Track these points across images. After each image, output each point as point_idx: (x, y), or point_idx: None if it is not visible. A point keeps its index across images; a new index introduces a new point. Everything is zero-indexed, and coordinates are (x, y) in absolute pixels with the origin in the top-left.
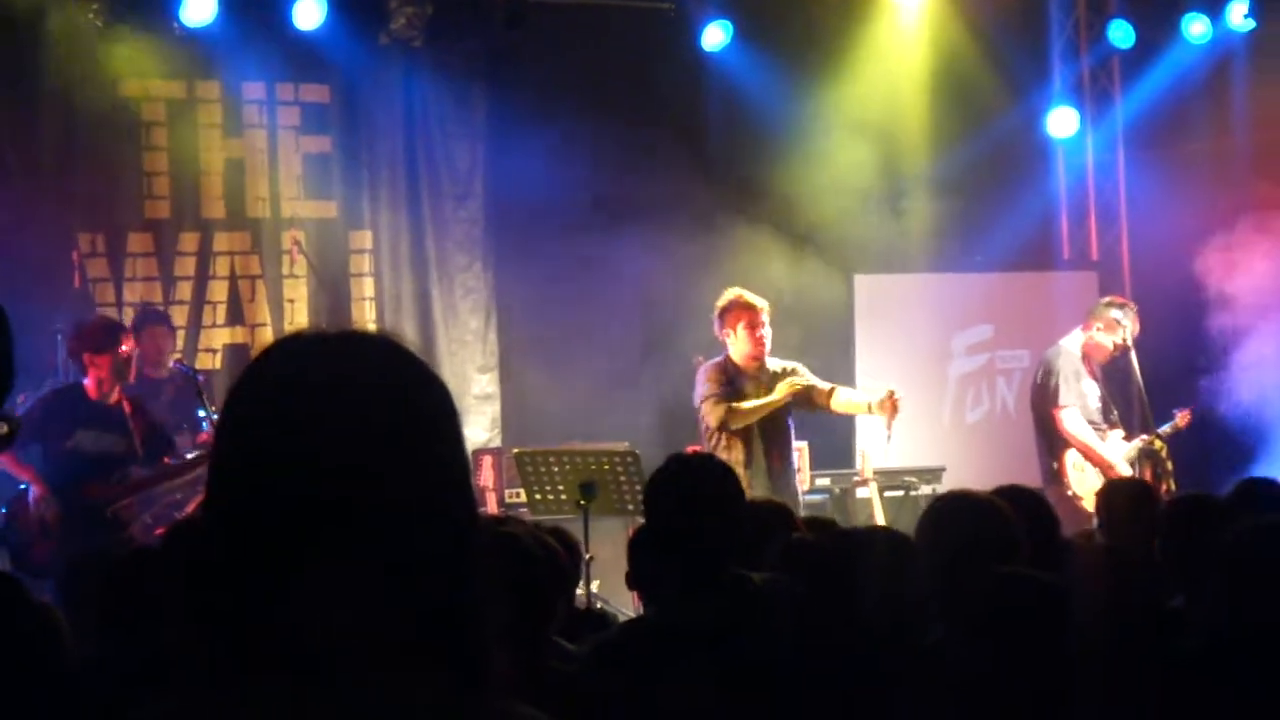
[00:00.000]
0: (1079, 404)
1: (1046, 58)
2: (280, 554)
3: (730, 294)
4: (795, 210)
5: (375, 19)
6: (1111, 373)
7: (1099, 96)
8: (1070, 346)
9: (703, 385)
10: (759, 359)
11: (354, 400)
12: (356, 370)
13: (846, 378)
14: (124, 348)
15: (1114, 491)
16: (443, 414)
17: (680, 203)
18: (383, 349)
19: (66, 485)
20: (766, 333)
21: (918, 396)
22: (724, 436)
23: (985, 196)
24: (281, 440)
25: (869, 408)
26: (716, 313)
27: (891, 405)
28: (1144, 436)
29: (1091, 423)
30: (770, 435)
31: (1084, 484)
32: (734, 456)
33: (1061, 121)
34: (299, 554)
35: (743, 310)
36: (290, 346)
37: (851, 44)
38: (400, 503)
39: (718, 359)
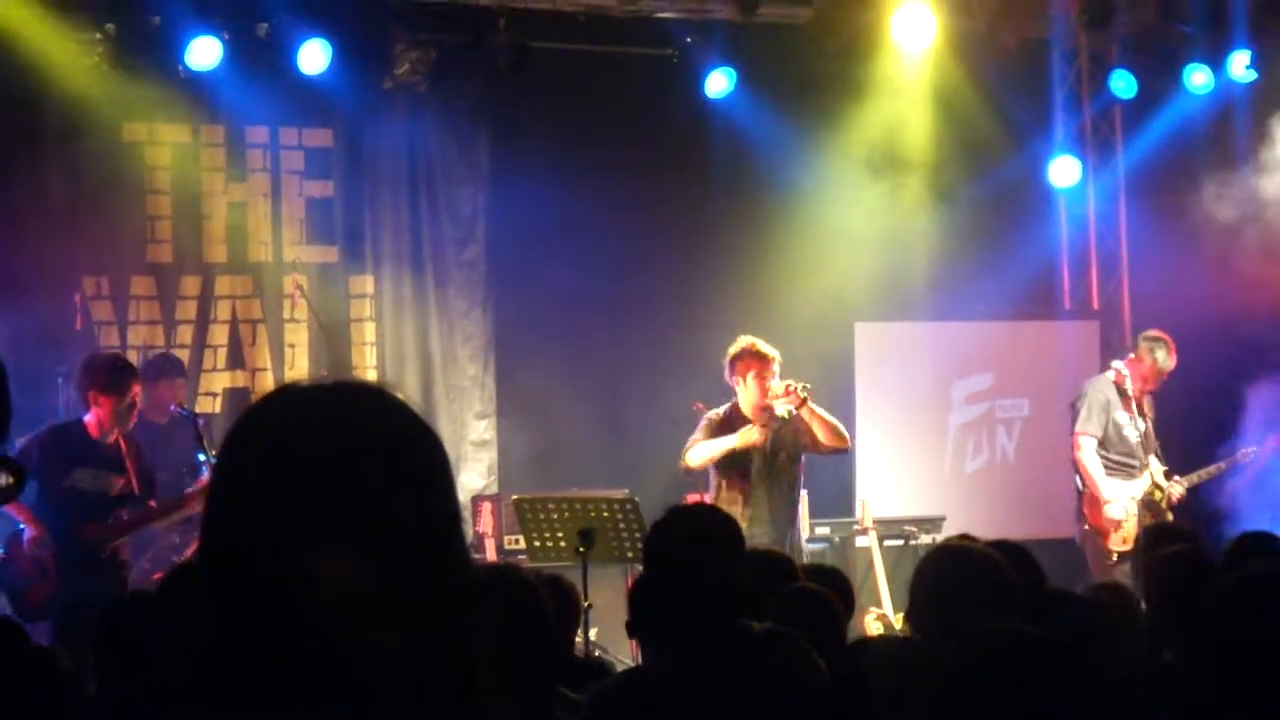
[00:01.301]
0: (1098, 434)
1: (1048, 107)
2: (271, 597)
3: (742, 342)
4: (797, 257)
5: (379, 64)
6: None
7: (1101, 146)
8: (1107, 376)
9: (694, 434)
10: (767, 409)
11: (345, 449)
12: (348, 420)
13: (846, 425)
14: (132, 392)
15: (1145, 534)
16: (434, 464)
17: (682, 249)
18: (376, 399)
19: (63, 525)
20: (776, 384)
21: (918, 445)
22: (724, 483)
23: (987, 245)
24: (272, 486)
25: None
26: (727, 360)
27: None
28: (1149, 484)
29: (1127, 454)
30: (773, 483)
31: (1100, 521)
32: (734, 506)
33: (1063, 171)
34: (289, 598)
35: (753, 359)
36: (286, 395)
37: (854, 90)
38: (391, 550)
39: (724, 407)
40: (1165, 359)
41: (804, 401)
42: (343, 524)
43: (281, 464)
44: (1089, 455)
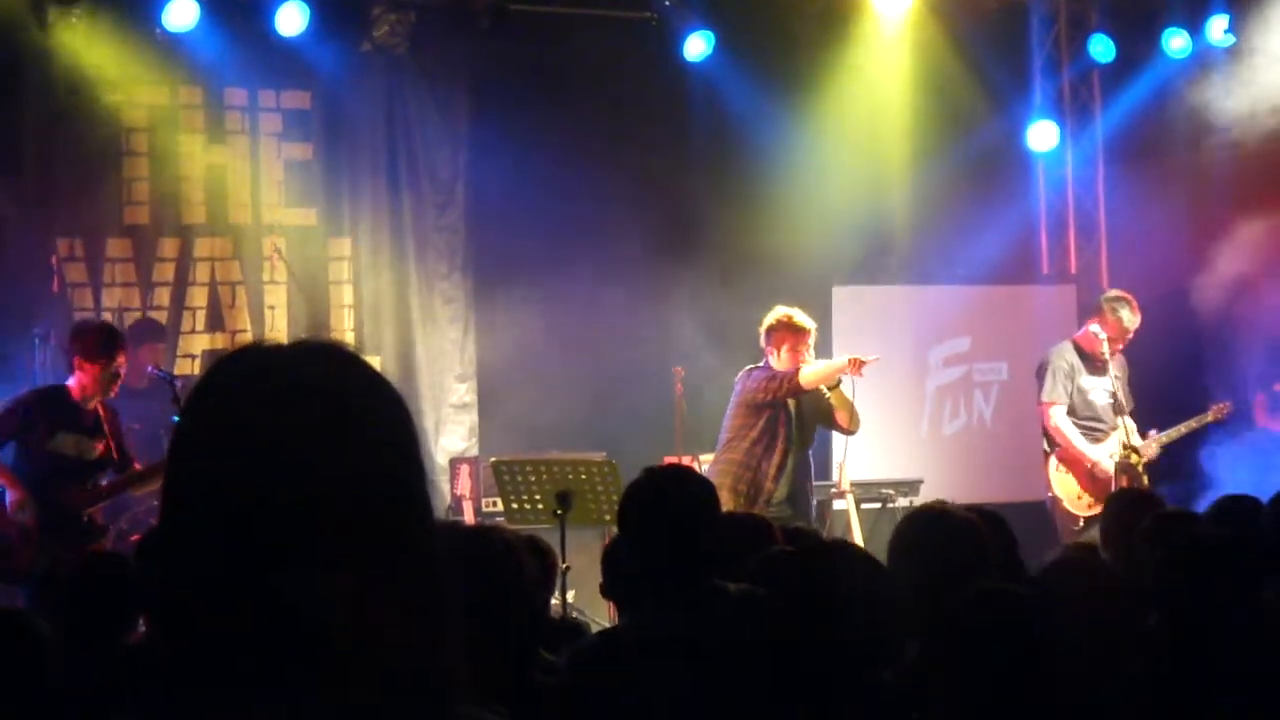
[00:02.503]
0: (1064, 400)
1: (1027, 71)
2: (232, 562)
3: (778, 313)
4: (775, 220)
5: (358, 26)
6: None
7: (1079, 110)
8: (1069, 342)
9: (755, 380)
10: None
11: (301, 409)
12: (305, 379)
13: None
14: (118, 361)
15: (1112, 500)
16: (393, 421)
17: (661, 213)
18: (334, 358)
19: (44, 488)
20: (810, 355)
21: (895, 408)
22: (753, 444)
23: (965, 209)
24: (229, 447)
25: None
26: (763, 330)
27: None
28: (1125, 446)
29: (1091, 419)
30: (800, 450)
31: (1065, 486)
32: (765, 466)
33: (1042, 135)
34: (250, 562)
35: (788, 332)
36: (243, 356)
37: (832, 55)
38: (352, 511)
39: (764, 366)
40: (1130, 317)
41: (837, 384)
42: (299, 486)
43: (239, 429)
44: (1061, 420)
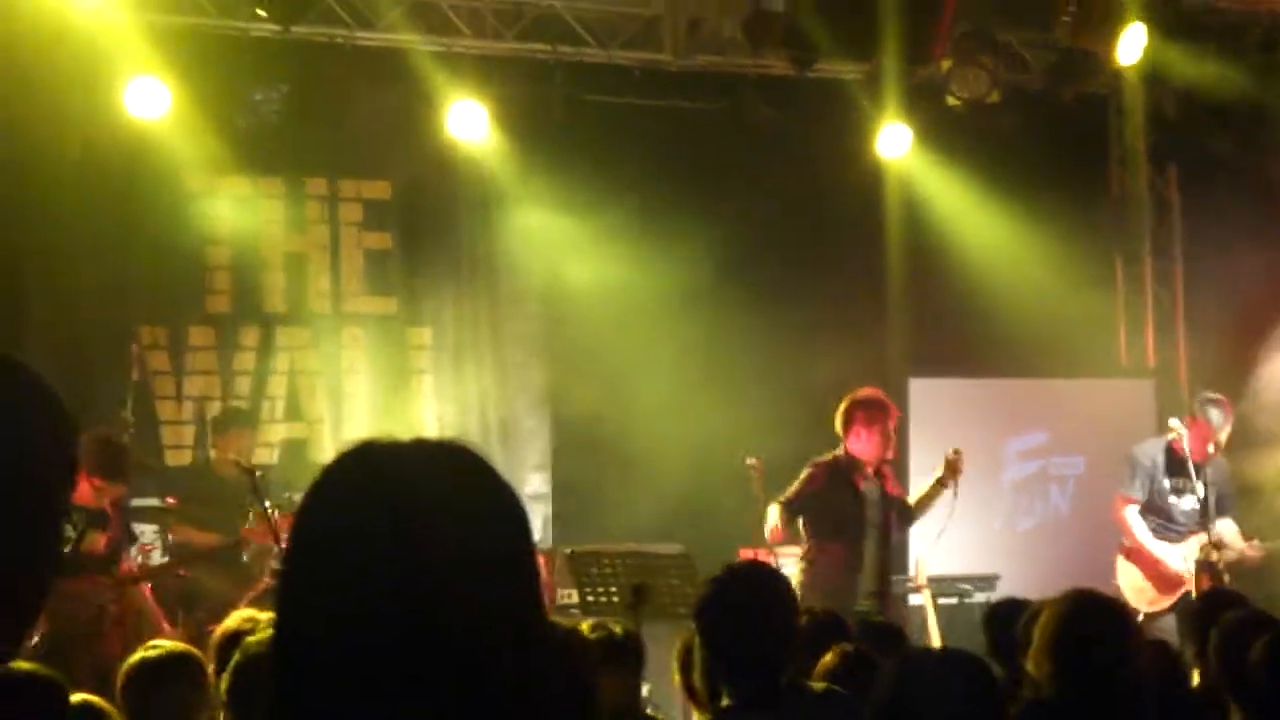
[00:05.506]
0: (1140, 497)
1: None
2: (352, 683)
3: (867, 392)
4: (850, 311)
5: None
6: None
7: (1157, 204)
8: (1158, 440)
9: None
10: (883, 459)
11: (439, 524)
12: (438, 490)
13: (901, 480)
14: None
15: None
16: (526, 542)
17: (736, 303)
18: (465, 465)
19: None
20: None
21: (971, 502)
22: (831, 541)
23: (1042, 303)
24: (358, 563)
25: (938, 482)
26: (845, 407)
27: (953, 465)
28: (1203, 546)
29: (1167, 521)
30: (881, 543)
31: (1129, 578)
32: (846, 561)
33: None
34: (371, 683)
35: (879, 412)
36: (364, 457)
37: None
38: (478, 636)
39: (829, 457)
40: (1219, 420)
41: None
42: (431, 607)
43: (373, 539)
44: (1132, 516)
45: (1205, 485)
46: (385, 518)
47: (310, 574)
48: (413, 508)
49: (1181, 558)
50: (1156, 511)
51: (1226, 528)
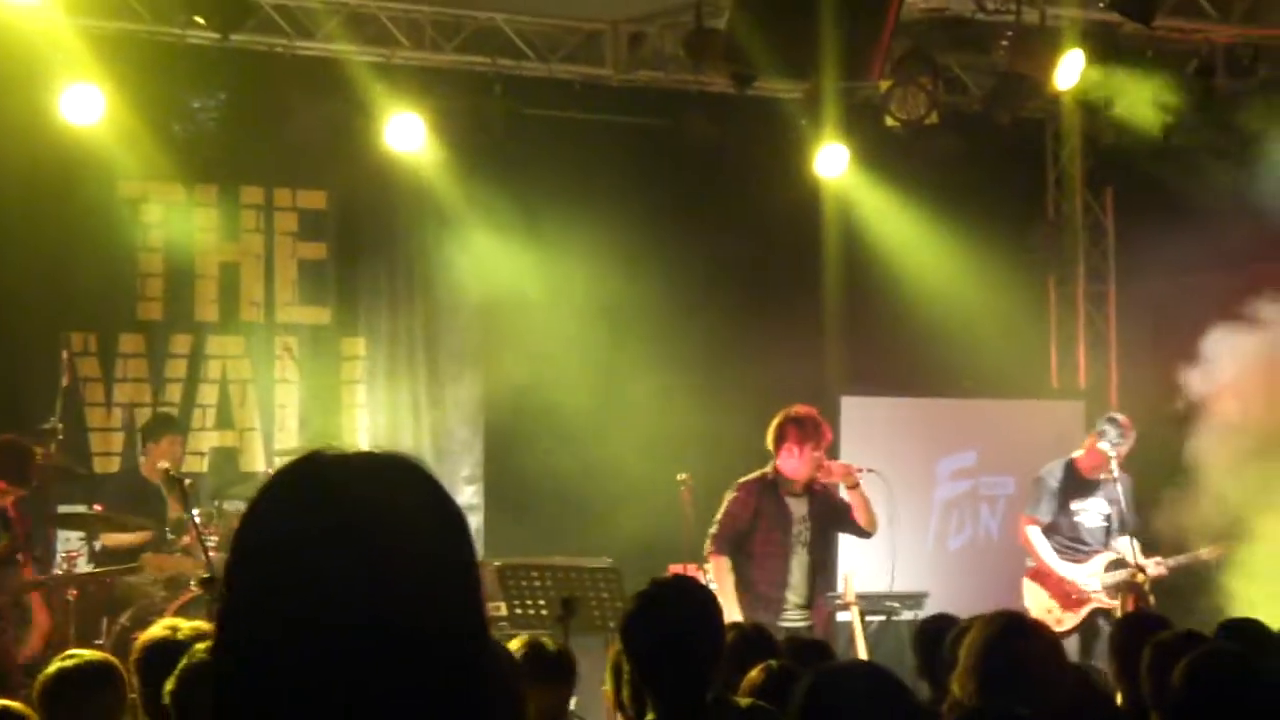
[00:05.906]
0: (1045, 520)
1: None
2: (303, 688)
3: (796, 410)
4: (782, 330)
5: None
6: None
7: (1092, 228)
8: (1062, 461)
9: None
10: (812, 479)
11: (389, 530)
12: (386, 498)
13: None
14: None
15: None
16: (471, 552)
17: (674, 317)
18: (411, 476)
19: None
20: (835, 465)
21: (902, 521)
22: (757, 555)
23: (976, 324)
24: (311, 566)
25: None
26: (775, 426)
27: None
28: (1131, 565)
29: (1075, 541)
30: (810, 558)
31: (1035, 599)
32: (772, 575)
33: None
34: (323, 688)
35: (810, 430)
36: (312, 465)
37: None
38: (429, 642)
39: (756, 476)
40: (1116, 438)
41: (856, 483)
42: (378, 623)
43: (294, 570)
44: (1036, 538)
45: (1108, 502)
46: (336, 522)
47: (260, 578)
48: (362, 513)
49: (1087, 576)
50: (1067, 532)
51: (1125, 546)
